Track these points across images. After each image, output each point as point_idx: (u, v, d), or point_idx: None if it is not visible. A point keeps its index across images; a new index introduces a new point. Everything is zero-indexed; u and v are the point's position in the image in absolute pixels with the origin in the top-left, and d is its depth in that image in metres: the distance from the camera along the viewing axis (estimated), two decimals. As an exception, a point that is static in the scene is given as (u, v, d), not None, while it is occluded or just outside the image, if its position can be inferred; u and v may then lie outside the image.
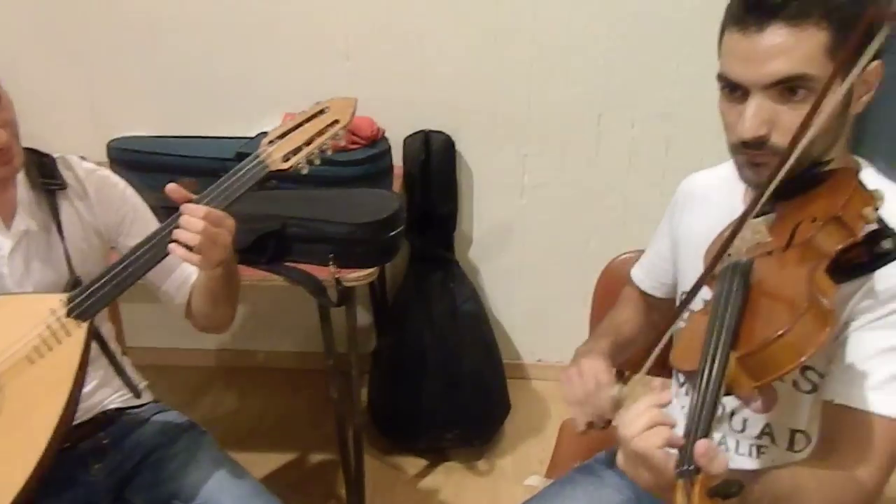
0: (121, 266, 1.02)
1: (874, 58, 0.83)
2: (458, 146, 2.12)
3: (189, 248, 0.98)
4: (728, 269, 0.84)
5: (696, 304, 0.88)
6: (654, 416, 0.71)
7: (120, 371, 1.12)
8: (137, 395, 1.16)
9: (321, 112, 1.06)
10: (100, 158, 1.86)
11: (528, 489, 1.22)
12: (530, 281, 2.29)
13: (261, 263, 1.54)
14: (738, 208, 0.95)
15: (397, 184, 1.99)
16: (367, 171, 1.81)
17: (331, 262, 1.51)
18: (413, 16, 1.99)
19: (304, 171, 1.04)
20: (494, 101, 2.08)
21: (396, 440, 2.09)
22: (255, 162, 1.03)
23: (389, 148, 1.92)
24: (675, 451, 0.68)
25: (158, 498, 1.19)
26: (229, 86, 2.05)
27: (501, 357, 2.17)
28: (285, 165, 1.02)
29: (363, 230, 1.52)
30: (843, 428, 0.85)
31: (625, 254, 1.43)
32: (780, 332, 0.69)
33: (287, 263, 1.55)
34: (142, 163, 1.87)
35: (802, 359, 0.69)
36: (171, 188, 1.02)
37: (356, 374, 1.71)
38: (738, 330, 0.75)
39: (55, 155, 1.20)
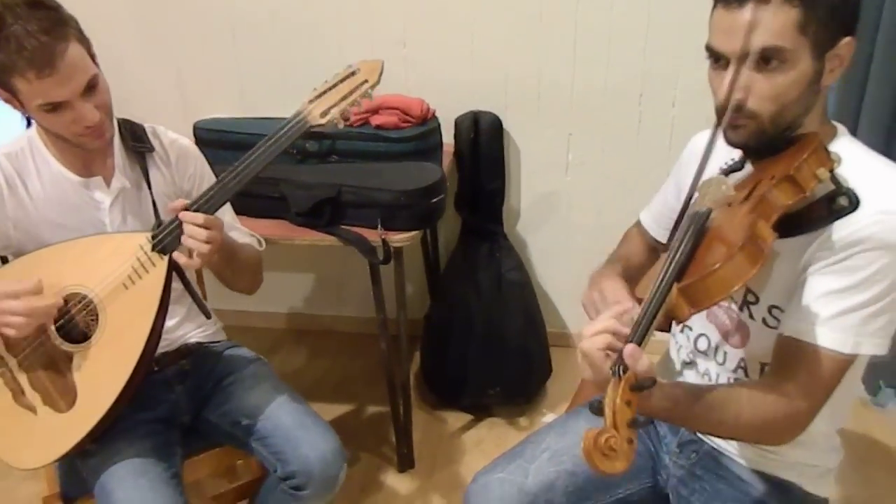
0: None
1: (846, 34, 0.94)
2: (506, 125, 2.28)
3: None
4: (690, 216, 0.97)
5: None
6: (606, 325, 0.87)
7: (193, 295, 1.34)
8: (208, 315, 1.38)
9: (353, 74, 1.24)
10: (187, 137, 2.12)
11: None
12: (575, 254, 2.42)
13: (319, 226, 1.75)
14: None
15: (447, 160, 2.16)
16: (417, 148, 1.98)
17: (379, 225, 1.70)
18: (463, 4, 2.16)
19: (340, 126, 1.22)
20: (540, 82, 2.23)
21: (444, 396, 2.27)
22: (297, 118, 1.22)
23: (439, 126, 2.10)
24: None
25: (228, 415, 1.42)
26: (297, 71, 2.28)
27: (545, 324, 2.31)
28: (323, 120, 1.21)
29: (406, 196, 1.70)
30: (788, 357, 0.97)
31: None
32: (714, 268, 0.83)
33: (342, 226, 1.75)
34: (222, 141, 2.10)
35: (731, 290, 0.84)
36: (172, 205, 1.22)
37: (404, 330, 1.90)
38: (686, 266, 0.89)
39: (146, 125, 1.44)
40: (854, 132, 1.96)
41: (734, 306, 1.10)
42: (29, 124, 2.13)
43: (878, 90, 1.90)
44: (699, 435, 1.19)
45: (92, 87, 1.21)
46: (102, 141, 1.29)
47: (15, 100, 1.21)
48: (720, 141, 1.01)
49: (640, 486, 1.22)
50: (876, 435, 2.12)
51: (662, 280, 0.87)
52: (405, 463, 2.03)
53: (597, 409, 0.79)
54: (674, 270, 0.88)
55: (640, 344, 0.83)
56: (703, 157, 0.97)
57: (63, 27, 1.15)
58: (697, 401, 0.94)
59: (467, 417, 2.23)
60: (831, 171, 0.90)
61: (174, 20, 2.32)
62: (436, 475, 2.01)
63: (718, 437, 1.06)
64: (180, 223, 1.21)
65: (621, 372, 0.80)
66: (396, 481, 2.00)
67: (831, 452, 1.14)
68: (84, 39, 1.21)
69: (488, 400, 2.21)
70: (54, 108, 1.19)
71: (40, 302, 1.17)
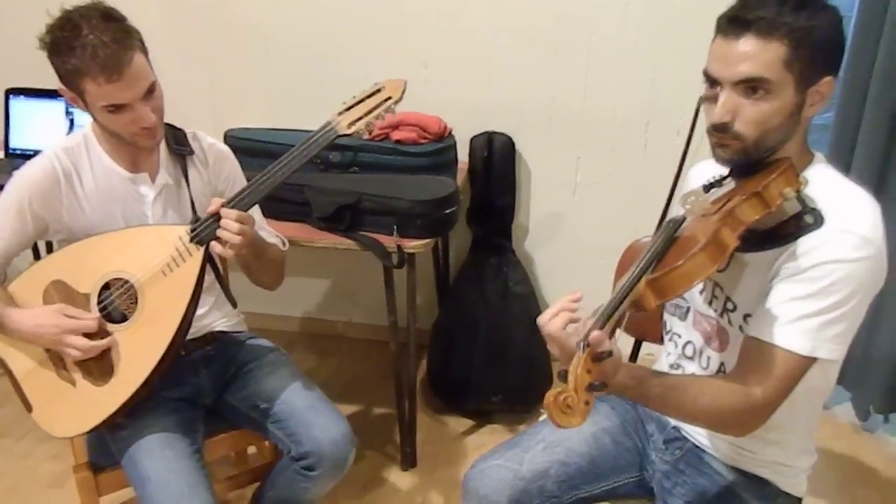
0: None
1: (828, 74, 1.05)
2: (518, 146, 2.40)
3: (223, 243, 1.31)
4: (666, 222, 1.09)
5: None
6: (561, 306, 1.00)
7: (223, 284, 1.46)
8: (234, 304, 1.51)
9: (378, 90, 1.37)
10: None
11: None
12: (580, 271, 2.52)
13: (339, 230, 1.87)
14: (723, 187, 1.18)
15: (461, 176, 2.27)
16: (433, 163, 2.10)
17: (395, 232, 1.82)
18: (482, 30, 2.29)
19: (364, 137, 1.35)
20: (552, 107, 2.35)
21: (448, 401, 2.37)
22: (327, 128, 1.36)
23: (455, 144, 2.22)
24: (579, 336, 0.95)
25: (248, 399, 1.53)
26: (324, 87, 2.41)
27: (548, 337, 2.41)
28: (349, 130, 1.35)
29: (422, 206, 1.83)
30: (751, 355, 1.08)
31: (647, 236, 1.66)
32: (677, 264, 0.94)
33: (360, 231, 1.87)
34: (251, 149, 2.23)
35: (692, 284, 0.96)
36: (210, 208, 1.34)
37: (413, 333, 2.00)
38: (655, 263, 1.00)
39: (187, 130, 1.57)
40: (848, 169, 2.06)
41: (714, 314, 1.20)
42: (71, 127, 2.28)
43: (871, 130, 2.00)
44: (683, 432, 1.29)
45: (150, 92, 1.35)
46: (154, 141, 1.41)
47: (80, 100, 1.34)
48: (711, 161, 1.13)
49: (627, 478, 1.31)
50: (864, 458, 2.19)
51: (633, 273, 0.99)
52: (408, 461, 2.12)
53: (563, 376, 0.91)
54: (644, 265, 1.00)
55: (602, 325, 0.94)
56: (679, 163, 1.09)
57: (130, 38, 1.29)
58: (661, 383, 1.05)
59: (469, 423, 2.33)
60: (797, 191, 1.01)
61: (211, 34, 2.47)
62: (436, 474, 2.10)
63: (680, 420, 1.15)
64: (217, 218, 1.33)
65: (585, 346, 0.92)
66: (399, 478, 2.09)
67: (804, 455, 1.23)
68: (145, 49, 1.35)
69: (490, 406, 2.30)
70: (117, 109, 1.32)
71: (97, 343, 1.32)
